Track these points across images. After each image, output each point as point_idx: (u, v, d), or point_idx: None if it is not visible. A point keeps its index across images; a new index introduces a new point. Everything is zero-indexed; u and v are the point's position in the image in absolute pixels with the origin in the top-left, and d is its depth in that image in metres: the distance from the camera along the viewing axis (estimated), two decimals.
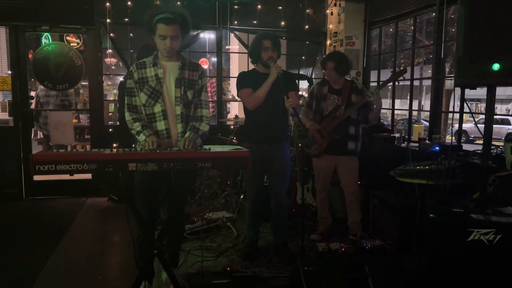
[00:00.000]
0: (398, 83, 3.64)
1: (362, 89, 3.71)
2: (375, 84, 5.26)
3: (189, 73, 2.64)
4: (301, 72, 5.83)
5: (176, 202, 2.67)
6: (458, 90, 3.01)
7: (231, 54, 9.05)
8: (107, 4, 4.91)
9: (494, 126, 2.82)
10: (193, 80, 2.66)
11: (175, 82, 2.59)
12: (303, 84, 6.58)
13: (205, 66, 15.00)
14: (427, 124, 4.52)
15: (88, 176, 5.15)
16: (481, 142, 2.76)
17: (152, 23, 2.49)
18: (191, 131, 2.58)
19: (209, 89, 6.43)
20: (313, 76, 5.71)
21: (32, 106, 5.93)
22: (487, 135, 2.60)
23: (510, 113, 21.91)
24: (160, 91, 2.57)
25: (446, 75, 4.57)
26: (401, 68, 3.58)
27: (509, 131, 15.74)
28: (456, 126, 4.89)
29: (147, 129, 2.54)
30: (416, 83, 17.08)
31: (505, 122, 16.46)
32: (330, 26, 5.50)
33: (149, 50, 2.77)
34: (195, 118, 2.67)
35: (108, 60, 5.95)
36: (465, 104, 3.59)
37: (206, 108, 2.71)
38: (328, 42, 5.57)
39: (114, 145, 4.92)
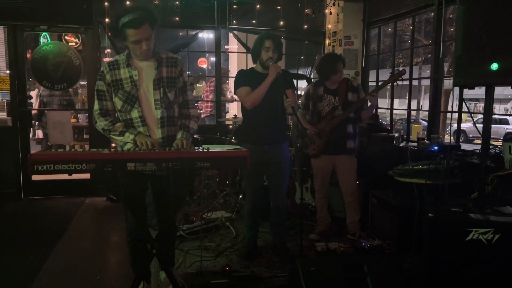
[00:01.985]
0: (397, 84, 3.65)
1: (357, 86, 3.73)
2: (374, 83, 5.27)
3: (167, 70, 2.43)
4: (300, 71, 5.83)
5: (163, 203, 2.56)
6: (456, 90, 3.01)
7: (230, 54, 9.04)
8: (106, 3, 4.90)
9: (492, 125, 2.82)
10: (173, 77, 2.45)
11: (153, 84, 2.39)
12: (302, 84, 6.57)
13: (204, 66, 15.02)
14: (426, 123, 4.52)
15: (87, 176, 5.15)
16: (479, 141, 2.76)
17: (118, 29, 2.24)
18: (183, 130, 2.47)
19: (207, 88, 6.41)
20: (312, 76, 5.71)
21: (36, 106, 5.94)
22: (486, 134, 2.60)
23: (508, 113, 21.95)
24: (136, 95, 2.36)
25: (445, 75, 4.58)
26: (400, 69, 3.58)
27: (508, 130, 15.71)
28: (455, 125, 4.89)
29: (132, 128, 2.39)
30: (414, 82, 17.07)
31: (503, 121, 16.49)
32: (329, 26, 5.50)
33: None
34: (183, 116, 2.53)
35: (106, 59, 5.92)
36: (463, 104, 3.60)
37: (193, 108, 2.58)
38: (327, 41, 5.57)
39: (113, 144, 4.91)
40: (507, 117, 17.03)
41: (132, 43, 2.26)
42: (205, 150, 2.17)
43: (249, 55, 3.31)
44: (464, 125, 14.16)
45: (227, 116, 7.32)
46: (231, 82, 7.93)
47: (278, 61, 3.15)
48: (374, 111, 4.17)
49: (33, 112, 5.78)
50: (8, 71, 5.06)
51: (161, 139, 2.43)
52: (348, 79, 3.75)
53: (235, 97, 4.77)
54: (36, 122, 6.23)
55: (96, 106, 2.42)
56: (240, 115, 3.71)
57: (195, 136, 3.03)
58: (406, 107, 4.80)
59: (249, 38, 5.58)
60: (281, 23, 5.41)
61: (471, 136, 15.62)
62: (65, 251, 3.59)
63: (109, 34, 5.01)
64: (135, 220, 2.38)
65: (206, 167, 2.14)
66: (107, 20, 4.92)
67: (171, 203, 2.46)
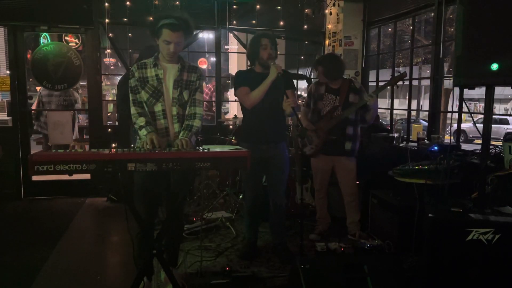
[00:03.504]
0: (397, 87, 3.65)
1: (360, 88, 3.69)
2: (374, 84, 5.27)
3: (187, 75, 2.70)
4: (300, 72, 5.83)
5: (175, 202, 2.69)
6: (457, 90, 3.01)
7: (229, 54, 9.06)
8: (106, 4, 4.90)
9: (492, 125, 2.82)
10: (191, 81, 2.71)
11: (173, 84, 2.65)
12: (302, 84, 6.58)
13: (204, 66, 15.03)
14: (426, 123, 4.53)
15: (87, 176, 5.15)
16: (479, 141, 2.76)
17: (157, 27, 2.54)
18: (185, 130, 2.61)
19: (206, 90, 6.37)
20: (312, 76, 5.71)
21: (34, 106, 5.93)
22: (486, 134, 2.60)
23: (508, 113, 21.95)
24: (161, 90, 2.63)
25: (445, 75, 4.58)
26: (401, 71, 3.58)
27: (508, 130, 15.76)
28: (455, 125, 4.90)
29: (150, 125, 2.59)
30: (414, 82, 17.05)
31: (503, 121, 16.50)
32: (329, 26, 5.50)
33: (152, 51, 2.80)
34: (188, 116, 2.70)
35: (106, 60, 5.94)
36: (463, 104, 3.60)
37: (199, 106, 2.74)
38: (327, 42, 5.57)
39: (113, 145, 4.92)
40: (507, 117, 17.03)
41: (163, 42, 2.55)
42: (205, 150, 2.17)
43: None
44: (464, 125, 14.16)
45: (227, 116, 7.32)
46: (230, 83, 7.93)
47: (275, 59, 3.15)
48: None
49: (34, 112, 5.79)
50: (8, 72, 5.06)
51: (177, 133, 2.66)
52: (351, 80, 3.74)
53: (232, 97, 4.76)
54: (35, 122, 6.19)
55: (130, 97, 2.68)
56: (240, 115, 3.72)
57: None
58: (406, 107, 4.80)
59: (249, 38, 5.57)
60: (281, 23, 5.41)
61: (471, 136, 15.62)
62: (65, 251, 3.59)
63: (110, 35, 5.03)
64: (142, 220, 2.41)
65: (206, 167, 2.15)
66: (107, 20, 4.93)
67: (178, 198, 2.66)
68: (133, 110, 2.65)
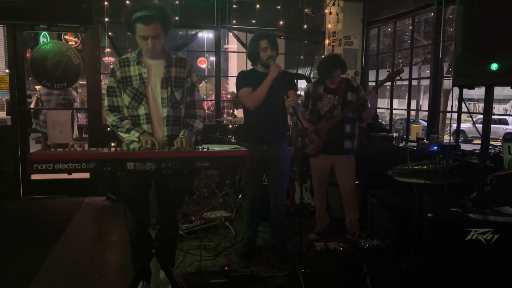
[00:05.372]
0: (395, 83, 3.65)
1: (357, 86, 3.73)
2: (374, 83, 5.27)
3: (176, 70, 2.48)
4: (300, 71, 5.83)
5: (167, 201, 2.60)
6: (456, 90, 3.01)
7: (229, 53, 9.06)
8: (105, 2, 4.89)
9: (492, 126, 2.82)
10: (181, 77, 2.50)
11: (161, 83, 2.43)
12: (302, 84, 6.58)
13: (204, 66, 15.03)
14: (425, 123, 4.53)
15: (86, 175, 5.15)
16: (479, 142, 2.76)
17: (130, 22, 2.32)
18: (186, 128, 2.49)
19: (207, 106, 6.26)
20: (312, 76, 5.71)
21: (32, 104, 5.92)
22: (485, 135, 2.60)
23: (508, 113, 21.95)
24: (144, 92, 2.41)
25: (444, 75, 4.58)
26: (398, 68, 3.59)
27: (507, 131, 15.76)
28: (454, 126, 4.89)
29: (138, 126, 2.43)
30: (414, 82, 17.05)
31: (503, 122, 16.49)
32: (329, 26, 5.50)
33: None
34: (188, 116, 2.56)
35: (106, 59, 5.91)
36: (463, 104, 3.60)
37: (200, 109, 2.60)
38: (327, 41, 5.57)
39: (112, 144, 4.91)
40: (507, 117, 17.03)
41: (140, 38, 2.33)
42: (204, 149, 2.17)
43: None
44: (463, 125, 14.16)
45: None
46: (230, 82, 7.94)
47: (276, 57, 3.14)
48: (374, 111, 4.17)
49: (32, 111, 5.78)
50: (7, 70, 5.05)
51: (166, 137, 2.47)
52: (348, 79, 3.76)
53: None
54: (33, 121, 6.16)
55: (106, 102, 2.48)
56: (239, 115, 3.72)
57: None
58: (406, 107, 4.80)
59: (249, 38, 5.56)
60: (281, 23, 5.40)
61: (470, 136, 15.63)
62: (65, 250, 3.58)
63: (109, 34, 5.02)
64: (137, 218, 2.38)
65: (206, 167, 2.14)
66: (106, 19, 4.92)
67: (173, 201, 2.52)
68: (110, 117, 2.44)
